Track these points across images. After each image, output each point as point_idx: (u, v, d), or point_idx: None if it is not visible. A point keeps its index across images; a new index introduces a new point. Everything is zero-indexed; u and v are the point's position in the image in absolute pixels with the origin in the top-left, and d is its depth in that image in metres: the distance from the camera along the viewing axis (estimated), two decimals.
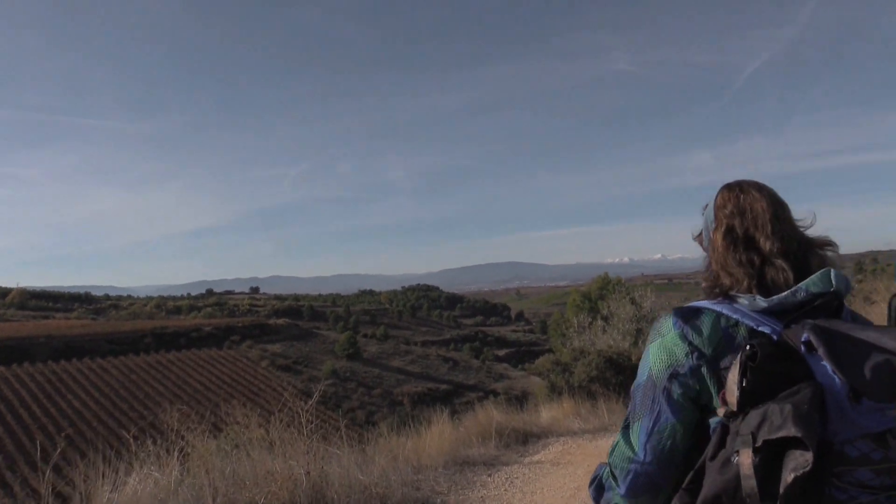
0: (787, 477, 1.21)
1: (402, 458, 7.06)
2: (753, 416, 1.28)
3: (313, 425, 5.53)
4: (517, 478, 7.13)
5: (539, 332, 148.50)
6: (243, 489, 4.75)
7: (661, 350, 1.53)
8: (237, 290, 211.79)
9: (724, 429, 1.37)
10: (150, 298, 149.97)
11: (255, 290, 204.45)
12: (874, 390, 1.25)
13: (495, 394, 69.34)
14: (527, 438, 8.94)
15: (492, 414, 9.16)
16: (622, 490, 1.56)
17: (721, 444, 1.36)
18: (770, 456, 1.24)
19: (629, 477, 1.54)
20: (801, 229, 1.60)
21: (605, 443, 8.06)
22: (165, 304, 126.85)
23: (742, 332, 1.46)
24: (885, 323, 1.65)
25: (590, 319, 17.16)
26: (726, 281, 1.56)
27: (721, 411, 1.38)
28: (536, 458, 8.04)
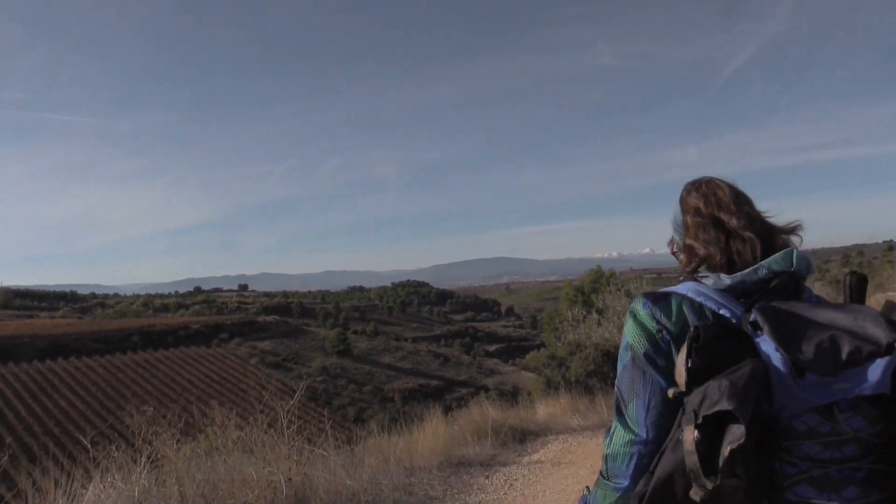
0: (724, 450, 1.24)
1: (394, 458, 6.64)
2: (696, 394, 1.31)
3: (297, 426, 5.14)
4: (517, 479, 6.74)
5: (529, 327, 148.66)
6: (216, 499, 4.35)
7: (638, 328, 1.56)
8: (225, 288, 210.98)
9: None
10: (137, 296, 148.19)
11: (243, 287, 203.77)
12: (817, 365, 1.28)
13: (486, 389, 69.29)
14: (524, 436, 8.58)
15: (487, 411, 8.80)
16: (624, 482, 1.53)
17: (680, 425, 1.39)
18: (712, 432, 1.26)
19: (633, 461, 1.52)
20: (767, 216, 1.65)
21: None
22: (153, 302, 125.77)
23: (707, 314, 1.50)
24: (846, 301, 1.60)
25: (584, 313, 16.86)
26: (700, 252, 1.61)
27: (671, 392, 1.43)
28: (536, 457, 7.67)
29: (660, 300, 1.56)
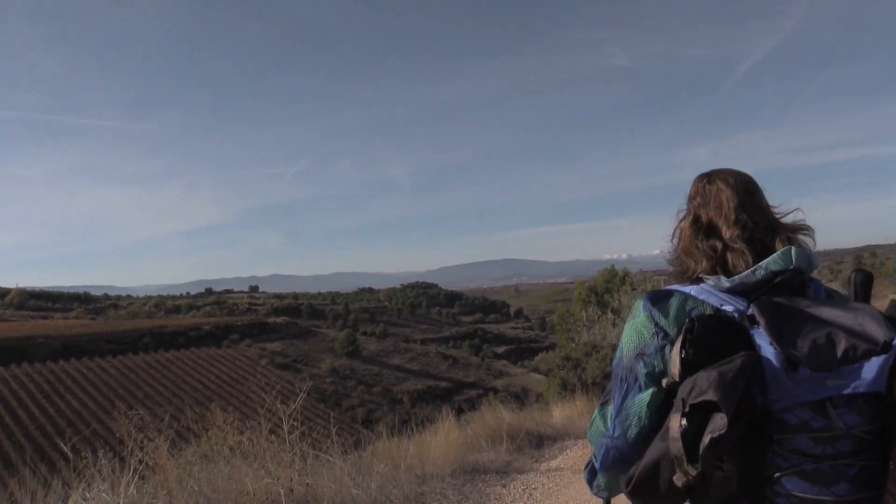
0: (705, 439, 1.27)
1: (405, 465, 6.21)
2: (686, 384, 1.34)
3: (301, 430, 4.82)
4: (535, 488, 6.34)
5: (538, 328, 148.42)
6: None
7: (632, 331, 1.60)
8: (236, 289, 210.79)
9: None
10: (149, 298, 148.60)
11: (254, 288, 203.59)
12: (811, 360, 1.32)
13: (495, 391, 69.16)
14: (541, 441, 8.21)
15: (501, 414, 8.46)
16: (598, 464, 1.65)
17: None
18: (699, 421, 1.29)
19: (602, 451, 1.61)
20: (777, 216, 1.65)
21: None
22: (164, 304, 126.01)
23: (708, 311, 1.52)
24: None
25: (599, 313, 16.55)
26: (691, 264, 1.65)
27: (665, 381, 1.45)
28: (554, 464, 7.29)
29: (661, 300, 1.59)
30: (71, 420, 50.09)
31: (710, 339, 1.38)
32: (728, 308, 1.50)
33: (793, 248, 1.52)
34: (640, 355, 1.56)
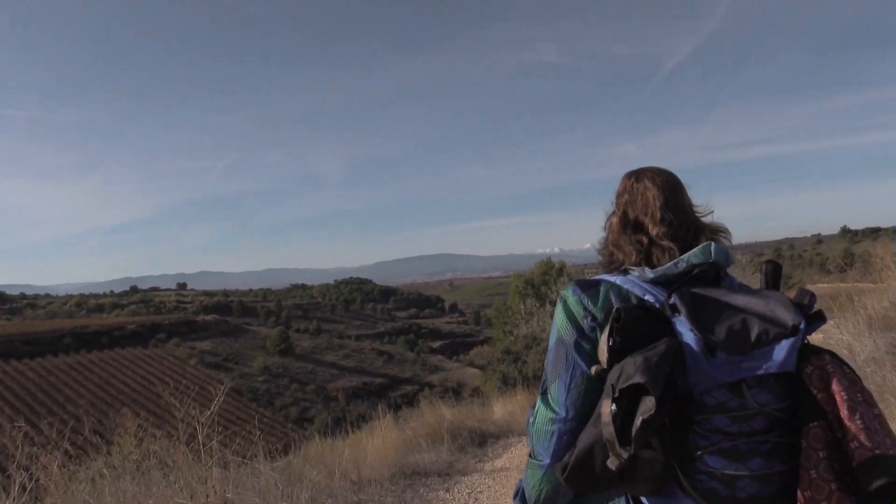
0: (637, 421, 1.34)
1: (339, 471, 5.64)
2: (615, 370, 1.43)
3: (223, 436, 4.31)
4: (481, 491, 5.96)
5: (473, 322, 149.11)
6: None
7: (565, 314, 1.66)
8: (163, 287, 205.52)
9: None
10: (69, 297, 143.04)
11: (182, 286, 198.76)
12: (727, 345, 1.41)
13: (431, 386, 69.30)
14: (484, 439, 7.86)
15: (441, 412, 8.05)
16: (546, 459, 1.64)
17: None
18: (628, 405, 1.37)
19: (553, 438, 1.62)
20: (698, 215, 1.77)
21: None
22: (86, 303, 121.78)
23: (632, 299, 1.63)
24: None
25: (537, 305, 16.35)
26: (619, 256, 1.75)
27: (594, 369, 1.54)
28: (499, 463, 6.93)
29: (589, 287, 1.67)
30: None
31: (635, 327, 1.47)
32: (650, 298, 1.61)
33: (713, 244, 1.62)
34: (580, 332, 1.63)
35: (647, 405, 1.33)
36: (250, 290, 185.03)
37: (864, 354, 5.48)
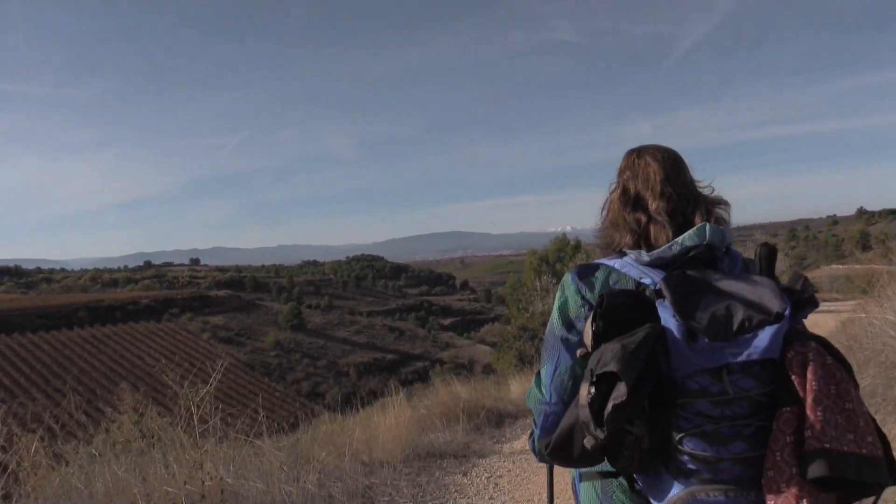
0: (609, 405, 1.40)
1: (350, 452, 5.34)
2: (595, 355, 1.47)
3: (226, 414, 4.02)
4: (500, 476, 5.65)
5: (484, 300, 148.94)
6: None
7: (561, 301, 1.73)
8: (177, 262, 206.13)
9: None
10: (84, 271, 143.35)
11: (195, 261, 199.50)
12: (709, 331, 1.45)
13: (442, 363, 69.36)
14: (501, 419, 7.57)
15: (456, 390, 7.76)
16: (538, 431, 1.76)
17: None
18: (606, 389, 1.42)
19: (541, 418, 1.73)
20: (701, 190, 1.79)
21: None
22: (101, 277, 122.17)
23: (630, 284, 1.67)
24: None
25: (553, 282, 16.05)
26: (617, 237, 1.78)
27: (580, 352, 1.61)
28: (518, 445, 6.63)
29: (587, 274, 1.72)
30: (2, 398, 48.26)
31: (618, 312, 1.50)
32: (646, 281, 1.64)
33: (707, 225, 1.63)
34: (568, 324, 1.70)
35: (620, 391, 1.38)
36: (263, 266, 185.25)
37: None
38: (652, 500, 1.58)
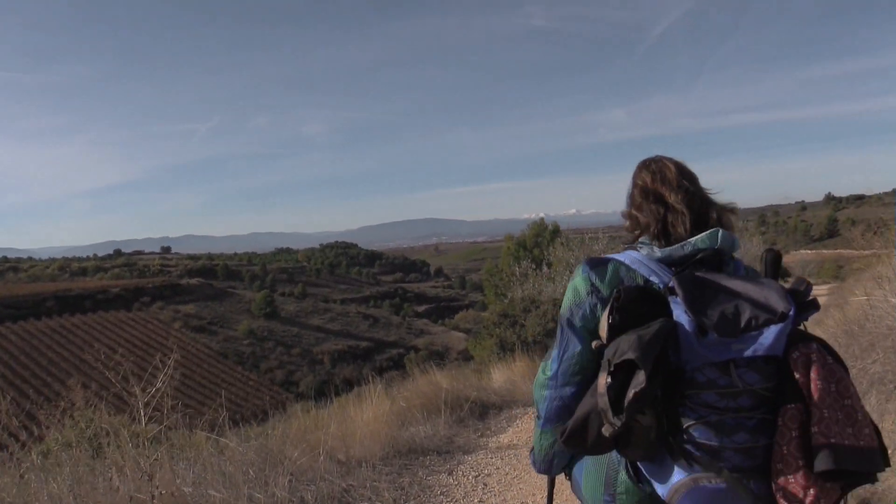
0: (629, 393, 1.49)
1: (324, 449, 4.88)
2: (612, 346, 1.57)
3: (187, 411, 3.61)
4: (489, 474, 5.25)
5: (458, 287, 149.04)
6: None
7: (572, 290, 1.85)
8: (147, 251, 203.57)
9: None
10: (52, 260, 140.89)
11: (166, 249, 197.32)
12: (718, 327, 1.55)
13: (416, 349, 69.23)
14: (484, 410, 7.23)
15: (437, 380, 7.35)
16: (542, 420, 1.88)
17: None
18: (622, 378, 1.52)
19: (546, 402, 1.85)
20: (708, 194, 1.90)
21: None
22: (69, 266, 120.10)
23: (639, 280, 1.76)
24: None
25: (533, 267, 15.70)
26: (641, 220, 1.88)
27: (594, 343, 1.71)
28: (504, 438, 6.31)
29: (598, 265, 1.83)
30: None
31: (633, 307, 1.61)
32: (655, 279, 1.74)
33: (720, 230, 1.74)
34: (578, 308, 1.81)
35: (639, 379, 1.47)
36: (235, 254, 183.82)
37: None
38: (656, 485, 1.66)
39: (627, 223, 1.96)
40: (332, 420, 5.66)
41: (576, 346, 1.80)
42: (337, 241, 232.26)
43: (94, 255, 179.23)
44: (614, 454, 1.73)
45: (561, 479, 2.06)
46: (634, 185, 1.96)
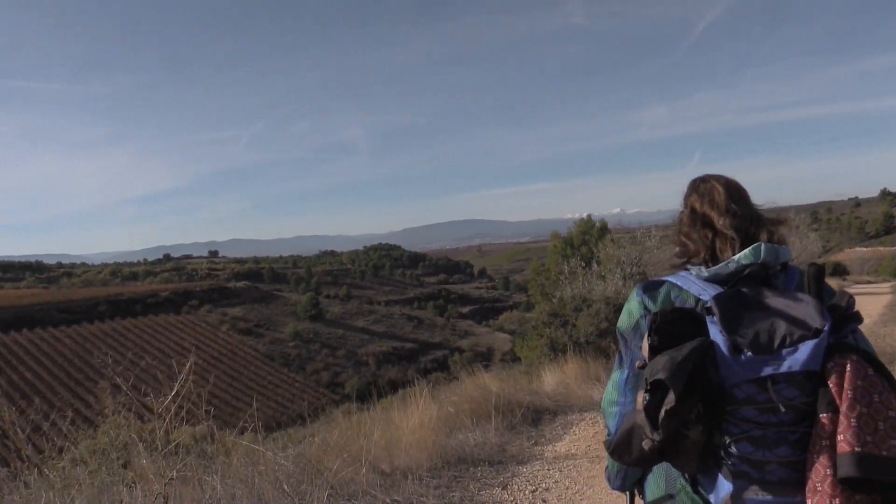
0: (661, 411, 1.54)
1: (367, 459, 4.52)
2: (649, 366, 1.61)
3: (219, 416, 3.32)
4: (546, 488, 4.78)
5: (502, 288, 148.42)
6: None
7: (626, 313, 1.90)
8: (195, 255, 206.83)
9: None
10: (104, 265, 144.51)
11: (213, 253, 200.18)
12: (753, 346, 1.58)
13: (461, 351, 69.00)
14: (537, 416, 6.76)
15: (485, 383, 6.92)
16: (613, 434, 1.90)
17: None
18: (661, 396, 1.56)
19: (616, 419, 1.90)
20: (759, 210, 1.90)
21: None
22: (121, 271, 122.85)
23: (690, 299, 1.80)
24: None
25: (582, 264, 15.24)
26: (690, 246, 1.90)
27: (638, 363, 1.75)
28: (561, 447, 5.86)
29: (651, 288, 1.88)
30: (25, 392, 48.22)
31: (671, 328, 1.64)
32: (704, 297, 1.76)
33: (762, 244, 1.74)
34: (634, 333, 1.87)
35: (670, 398, 1.53)
36: (280, 257, 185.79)
37: None
38: (709, 497, 1.68)
39: (677, 249, 1.99)
40: (375, 426, 5.24)
41: (634, 366, 1.87)
42: (380, 243, 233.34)
43: (145, 259, 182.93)
44: None
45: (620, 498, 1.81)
46: (685, 205, 1.98)
